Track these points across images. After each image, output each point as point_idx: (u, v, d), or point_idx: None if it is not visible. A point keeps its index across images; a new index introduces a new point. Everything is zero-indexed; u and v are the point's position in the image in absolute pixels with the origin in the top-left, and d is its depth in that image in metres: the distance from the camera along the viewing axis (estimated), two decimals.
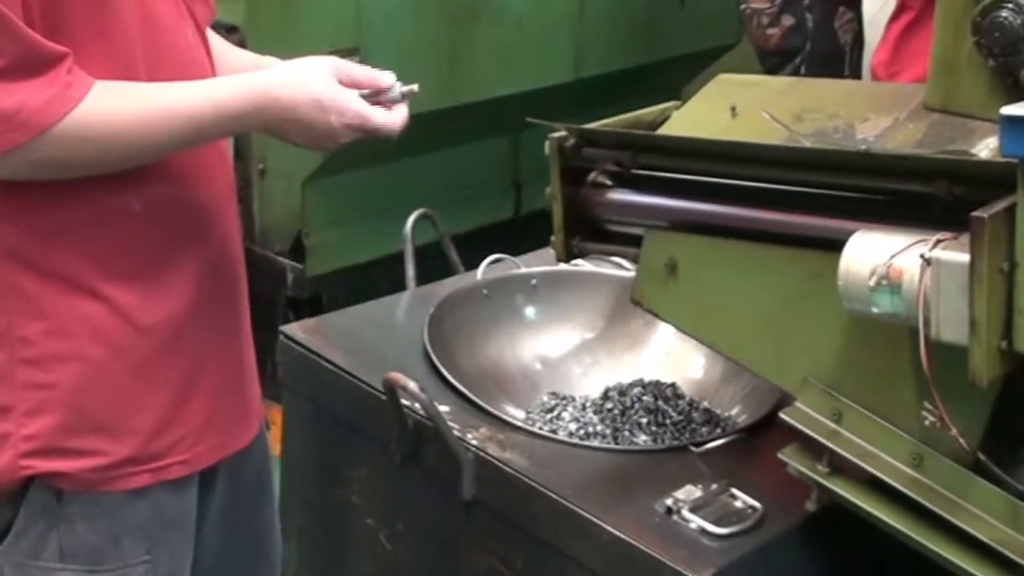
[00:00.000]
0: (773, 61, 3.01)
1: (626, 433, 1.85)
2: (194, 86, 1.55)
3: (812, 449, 1.51)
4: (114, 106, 1.48)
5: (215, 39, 1.75)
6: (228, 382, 1.69)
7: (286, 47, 3.53)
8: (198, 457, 1.65)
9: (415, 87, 1.62)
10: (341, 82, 1.56)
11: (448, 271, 2.25)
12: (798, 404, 1.51)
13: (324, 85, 1.54)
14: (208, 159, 1.64)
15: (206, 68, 1.65)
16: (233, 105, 1.52)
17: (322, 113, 1.54)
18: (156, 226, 1.58)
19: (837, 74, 2.94)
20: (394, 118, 1.59)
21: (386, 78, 1.60)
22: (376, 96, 1.59)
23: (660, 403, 1.90)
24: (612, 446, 1.82)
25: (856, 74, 3.03)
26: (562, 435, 1.82)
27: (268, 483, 1.87)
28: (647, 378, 1.97)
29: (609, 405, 1.90)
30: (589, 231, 1.75)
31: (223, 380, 1.68)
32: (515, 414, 1.89)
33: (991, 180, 1.35)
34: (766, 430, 1.75)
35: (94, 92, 1.47)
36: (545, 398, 1.95)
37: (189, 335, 1.62)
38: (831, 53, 3.00)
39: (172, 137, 1.52)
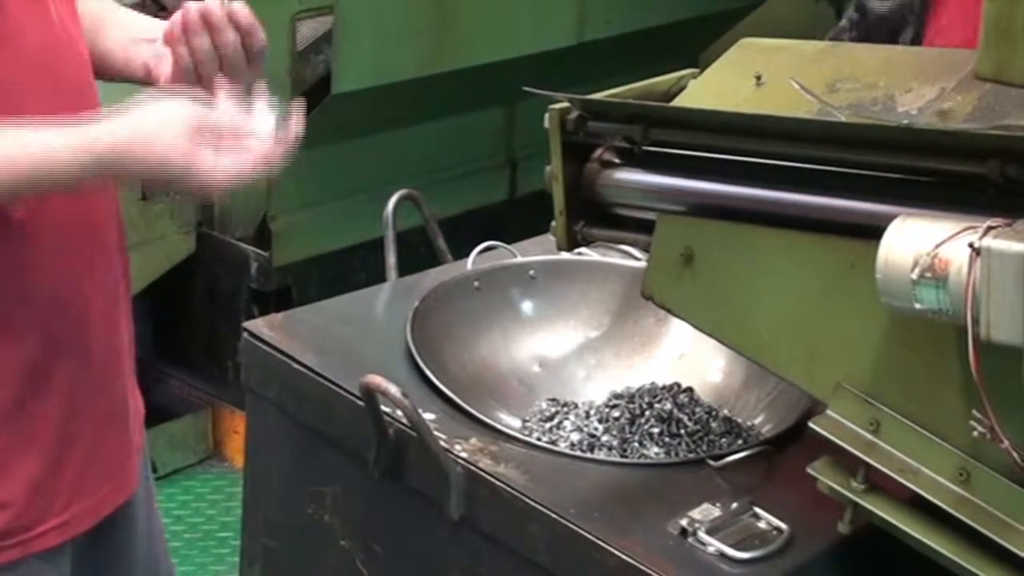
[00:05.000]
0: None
1: (635, 445, 1.85)
2: (18, 140, 1.48)
3: (846, 463, 1.51)
4: None
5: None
6: (107, 428, 1.68)
7: (255, 5, 3.54)
8: (75, 520, 1.64)
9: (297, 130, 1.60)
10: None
11: (434, 260, 2.25)
12: (830, 412, 1.51)
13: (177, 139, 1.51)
14: None
15: (69, 45, 1.61)
16: (62, 161, 1.48)
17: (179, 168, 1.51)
18: (23, 242, 1.54)
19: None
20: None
21: (261, 122, 1.58)
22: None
23: (674, 411, 1.90)
24: (619, 459, 1.82)
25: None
26: (563, 447, 1.83)
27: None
28: (659, 382, 1.97)
29: (616, 413, 1.90)
30: (594, 215, 1.75)
31: (101, 426, 1.67)
32: (510, 423, 1.89)
33: None
34: (794, 442, 1.76)
35: None
36: (544, 405, 1.95)
37: (60, 378, 1.60)
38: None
39: None
